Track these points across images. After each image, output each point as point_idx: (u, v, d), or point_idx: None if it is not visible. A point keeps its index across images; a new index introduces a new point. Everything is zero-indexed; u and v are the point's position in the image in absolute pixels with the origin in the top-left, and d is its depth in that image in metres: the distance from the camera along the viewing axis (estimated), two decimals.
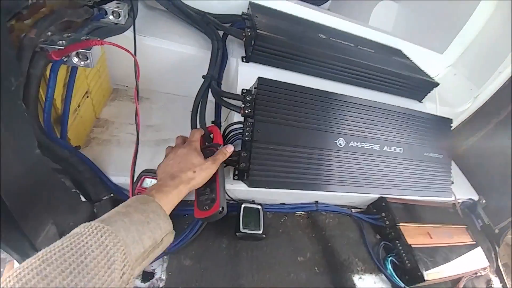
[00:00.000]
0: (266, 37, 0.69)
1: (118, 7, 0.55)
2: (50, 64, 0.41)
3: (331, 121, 0.67)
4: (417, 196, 0.80)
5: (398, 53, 1.03)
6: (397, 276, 0.69)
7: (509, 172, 0.93)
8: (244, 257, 0.61)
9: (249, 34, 0.70)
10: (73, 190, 0.52)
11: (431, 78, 0.90)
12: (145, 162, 0.62)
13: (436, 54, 1.09)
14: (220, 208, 0.46)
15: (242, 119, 0.64)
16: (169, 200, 0.42)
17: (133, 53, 0.48)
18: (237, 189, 0.65)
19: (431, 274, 0.68)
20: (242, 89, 0.65)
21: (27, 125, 0.40)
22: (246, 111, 0.61)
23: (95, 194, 0.54)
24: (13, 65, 0.34)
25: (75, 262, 0.26)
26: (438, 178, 0.82)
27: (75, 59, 0.41)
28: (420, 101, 0.96)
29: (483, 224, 0.98)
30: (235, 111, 0.64)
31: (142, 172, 0.55)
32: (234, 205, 0.67)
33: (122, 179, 0.57)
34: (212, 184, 0.49)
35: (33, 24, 0.40)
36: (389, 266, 0.70)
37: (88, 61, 0.41)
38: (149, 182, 0.54)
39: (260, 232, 0.62)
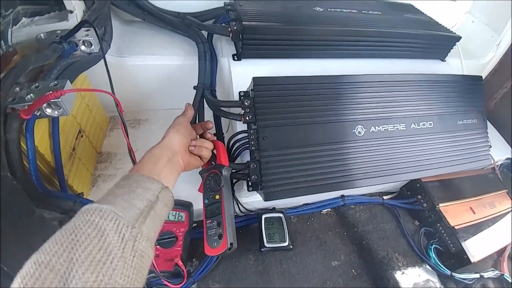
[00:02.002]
0: (254, 28, 0.61)
1: (88, 35, 0.50)
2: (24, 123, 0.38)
3: (344, 108, 0.59)
4: (457, 171, 0.71)
5: (410, 8, 0.89)
6: (442, 263, 0.63)
7: None
8: (274, 272, 0.58)
9: (235, 28, 0.62)
10: None
11: (452, 32, 0.77)
12: None
13: (449, 2, 0.95)
14: (229, 245, 0.42)
15: (245, 126, 0.58)
16: (163, 172, 0.40)
17: (110, 90, 0.43)
18: (254, 200, 0.61)
19: (477, 254, 0.62)
20: (239, 92, 0.59)
21: (20, 195, 0.38)
22: (247, 118, 0.55)
23: None
24: None
25: (67, 241, 0.26)
26: (475, 145, 0.72)
27: (48, 110, 0.38)
28: (443, 59, 0.84)
29: None
30: (236, 120, 0.58)
31: None
32: (254, 216, 0.64)
33: None
34: (218, 216, 0.45)
35: None
36: (433, 255, 0.64)
37: (62, 109, 0.37)
38: None
39: (287, 243, 0.58)
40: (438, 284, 0.61)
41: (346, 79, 0.61)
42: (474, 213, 0.71)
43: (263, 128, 0.54)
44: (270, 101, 0.55)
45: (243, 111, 0.56)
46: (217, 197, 0.47)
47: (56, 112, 0.38)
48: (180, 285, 0.50)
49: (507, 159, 0.89)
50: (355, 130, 0.59)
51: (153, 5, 0.70)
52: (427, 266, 0.63)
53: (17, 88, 0.38)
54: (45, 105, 0.37)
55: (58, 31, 0.51)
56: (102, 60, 0.47)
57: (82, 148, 0.56)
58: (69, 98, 0.38)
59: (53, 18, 0.54)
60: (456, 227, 0.65)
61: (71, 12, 0.53)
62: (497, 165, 0.85)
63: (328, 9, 0.73)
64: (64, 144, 0.49)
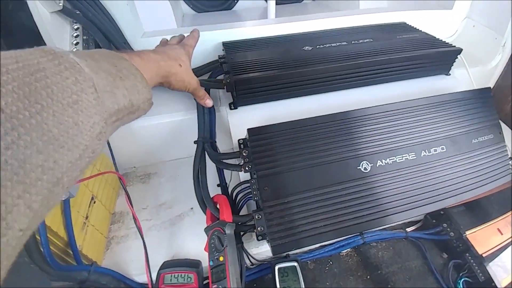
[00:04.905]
0: (245, 80, 0.63)
1: None
2: None
3: (344, 146, 0.58)
4: (478, 193, 0.65)
5: (403, 27, 0.89)
6: None
7: None
8: None
9: (228, 81, 0.65)
10: None
11: (451, 45, 0.75)
12: (164, 247, 0.60)
13: (445, 11, 0.93)
14: None
15: (248, 175, 0.59)
16: (147, 68, 0.34)
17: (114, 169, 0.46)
18: (264, 250, 0.60)
19: (505, 279, 0.54)
20: (238, 140, 0.60)
21: (36, 274, 0.40)
22: (247, 168, 0.56)
23: None
24: None
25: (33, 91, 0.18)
26: (495, 161, 0.66)
27: None
28: (447, 73, 0.81)
29: None
30: (236, 170, 0.58)
31: (160, 269, 0.53)
32: (268, 266, 0.61)
33: (145, 277, 0.55)
34: (223, 281, 0.44)
35: None
36: None
37: (69, 193, 0.40)
38: (169, 278, 0.52)
39: None
40: None
41: (343, 115, 0.60)
42: (501, 234, 0.64)
43: (263, 178, 0.53)
44: (267, 149, 0.55)
45: (242, 161, 0.57)
46: (221, 258, 0.46)
47: (64, 196, 0.41)
48: None
49: None
50: (360, 167, 0.57)
51: None
52: None
53: None
54: None
55: None
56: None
57: (95, 214, 0.59)
58: (74, 186, 0.41)
59: None
60: (484, 255, 0.59)
61: None
62: None
63: (317, 46, 0.75)
64: (77, 215, 0.52)
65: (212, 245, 0.49)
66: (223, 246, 0.47)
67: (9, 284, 0.19)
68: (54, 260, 0.43)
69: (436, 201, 0.59)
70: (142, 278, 0.56)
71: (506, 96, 0.92)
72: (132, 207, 0.49)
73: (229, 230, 0.49)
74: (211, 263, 0.48)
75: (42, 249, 0.41)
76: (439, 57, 0.75)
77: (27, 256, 0.40)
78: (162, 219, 0.66)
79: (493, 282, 0.56)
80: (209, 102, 0.60)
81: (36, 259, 0.41)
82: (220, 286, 0.44)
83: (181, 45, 0.53)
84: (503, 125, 0.91)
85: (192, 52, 0.56)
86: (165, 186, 0.75)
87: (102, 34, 0.65)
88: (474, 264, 0.61)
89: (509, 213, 0.69)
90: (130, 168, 0.79)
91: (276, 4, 1.09)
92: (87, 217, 0.56)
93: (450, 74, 0.81)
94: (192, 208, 0.68)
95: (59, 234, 0.46)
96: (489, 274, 0.57)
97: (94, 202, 0.60)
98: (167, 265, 0.53)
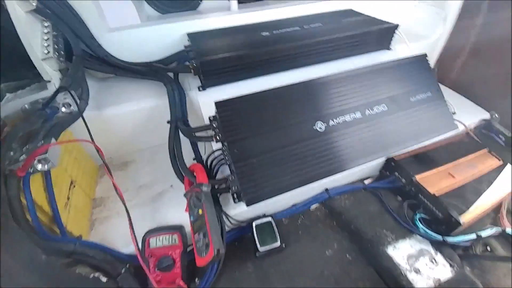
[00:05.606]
0: (210, 62, 0.70)
1: (66, 98, 0.58)
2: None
3: (299, 111, 0.67)
4: (423, 142, 0.76)
5: (349, 13, 1.01)
6: (432, 230, 0.65)
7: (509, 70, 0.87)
8: (273, 274, 0.61)
9: (195, 65, 0.71)
10: (92, 275, 0.54)
11: (388, 22, 0.87)
12: (147, 221, 0.64)
13: None
14: (215, 252, 0.46)
15: (219, 146, 0.65)
16: None
17: (89, 138, 0.51)
18: (242, 211, 0.66)
19: (466, 215, 0.64)
20: (209, 117, 0.66)
21: (25, 242, 0.43)
22: (218, 137, 0.62)
23: (113, 270, 0.56)
24: None
25: None
26: (436, 115, 0.78)
27: (39, 166, 0.44)
28: (388, 48, 0.93)
29: (505, 138, 0.91)
30: (208, 141, 0.65)
31: (144, 235, 0.57)
32: (246, 226, 0.67)
33: (132, 248, 0.59)
34: (203, 228, 0.50)
35: None
36: (420, 224, 0.67)
37: (50, 162, 0.44)
38: (154, 241, 0.56)
39: (278, 244, 0.62)
40: (432, 251, 0.63)
41: (294, 86, 0.68)
42: (453, 177, 0.74)
43: (232, 143, 0.60)
44: (233, 118, 0.62)
45: (213, 132, 0.63)
46: (200, 211, 0.52)
47: (46, 166, 0.44)
48: None
49: (481, 120, 0.94)
50: (315, 126, 0.66)
51: (121, 60, 0.80)
52: (418, 236, 0.66)
53: (11, 153, 0.45)
54: (35, 161, 0.43)
55: (40, 100, 0.59)
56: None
57: (76, 197, 0.61)
58: (55, 152, 0.44)
59: (34, 89, 0.63)
60: (437, 194, 0.69)
61: (49, 81, 0.62)
62: (471, 129, 0.90)
63: (273, 32, 0.84)
64: (59, 195, 0.54)
65: (191, 204, 0.55)
66: (200, 202, 0.53)
67: None
68: (42, 229, 0.46)
69: (382, 150, 0.69)
70: (129, 249, 0.59)
71: (451, 63, 1.05)
72: (112, 177, 0.53)
73: (205, 188, 0.55)
74: (192, 218, 0.53)
75: (30, 215, 0.44)
76: (378, 33, 0.87)
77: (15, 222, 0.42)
78: (143, 198, 0.70)
79: (452, 217, 0.62)
80: None
81: (24, 227, 0.43)
82: (201, 233, 0.49)
83: None
84: (451, 91, 1.03)
85: None
86: (143, 171, 0.78)
87: (71, 30, 0.68)
88: (429, 203, 0.69)
89: (460, 160, 0.77)
90: (107, 159, 0.81)
91: (239, 2, 1.17)
92: (68, 198, 0.59)
93: (391, 49, 0.94)
94: (171, 186, 0.72)
95: (43, 209, 0.49)
96: (447, 211, 0.63)
97: (74, 186, 0.62)
98: (151, 231, 0.57)
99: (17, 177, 0.44)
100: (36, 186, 0.49)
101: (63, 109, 0.59)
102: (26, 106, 0.59)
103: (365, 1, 1.04)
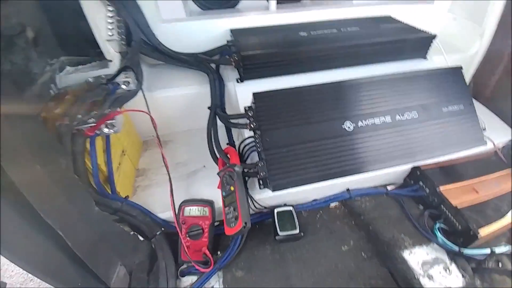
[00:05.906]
0: (250, 56, 0.75)
1: (127, 77, 0.67)
2: (88, 139, 0.52)
3: (330, 109, 0.70)
4: (450, 154, 0.76)
5: (387, 19, 1.02)
6: (450, 241, 0.66)
7: None
8: (289, 259, 0.65)
9: (236, 58, 0.77)
10: (132, 233, 0.62)
11: (426, 32, 0.88)
12: (182, 193, 0.71)
13: (427, 5, 1.05)
14: (244, 224, 0.51)
15: (252, 133, 0.70)
16: None
17: (147, 111, 0.58)
18: (266, 197, 0.71)
19: (484, 229, 0.64)
20: (245, 107, 0.72)
21: (83, 192, 0.51)
22: (252, 125, 0.68)
23: (150, 232, 0.64)
24: (59, 148, 0.45)
25: None
26: (466, 129, 0.78)
27: (106, 130, 0.52)
28: (424, 57, 0.93)
29: None
30: (243, 128, 0.70)
31: (181, 203, 0.64)
32: (268, 212, 0.72)
33: (167, 214, 0.66)
34: (234, 203, 0.55)
35: (63, 113, 0.52)
36: (438, 234, 0.67)
37: (116, 128, 0.52)
38: (188, 210, 0.63)
39: (297, 231, 0.66)
40: (447, 260, 0.64)
41: (332, 84, 0.72)
42: (477, 192, 0.74)
43: (265, 132, 0.65)
44: (269, 109, 0.67)
45: (248, 121, 0.68)
46: (232, 188, 0.58)
47: (112, 130, 0.53)
48: (208, 269, 0.59)
49: (510, 141, 0.91)
50: (344, 126, 0.69)
51: (171, 49, 0.88)
52: (435, 245, 0.67)
53: (79, 116, 0.54)
54: (103, 125, 0.51)
55: (103, 76, 0.68)
56: (137, 95, 0.63)
57: (125, 164, 0.70)
58: (120, 120, 0.52)
59: (94, 66, 0.73)
60: (458, 206, 0.69)
61: (111, 61, 0.71)
62: (499, 148, 0.88)
63: (311, 32, 0.88)
64: (113, 159, 0.63)
65: (224, 181, 0.61)
66: (233, 180, 0.58)
67: None
68: (100, 184, 0.55)
69: (407, 157, 0.71)
70: (164, 215, 0.66)
71: (486, 80, 1.03)
72: (161, 147, 0.60)
73: (238, 169, 0.61)
74: (224, 194, 0.59)
75: (92, 171, 0.53)
76: (415, 41, 0.88)
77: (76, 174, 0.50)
78: (179, 173, 0.77)
79: (471, 229, 0.62)
80: None
81: (83, 180, 0.52)
82: (231, 207, 0.55)
83: None
84: (485, 108, 1.02)
85: None
86: (180, 150, 0.86)
87: (132, 18, 0.78)
88: (449, 214, 0.69)
89: (485, 176, 0.77)
90: (150, 137, 0.91)
91: (277, 3, 1.22)
92: (119, 163, 0.67)
93: (427, 59, 0.94)
94: (204, 166, 0.79)
95: (101, 167, 0.58)
96: (467, 223, 0.64)
97: (124, 155, 0.71)
98: (186, 201, 0.64)
99: (84, 136, 0.52)
100: (97, 147, 0.57)
101: (123, 87, 0.67)
102: (90, 79, 0.69)
103: (404, 9, 1.05)
